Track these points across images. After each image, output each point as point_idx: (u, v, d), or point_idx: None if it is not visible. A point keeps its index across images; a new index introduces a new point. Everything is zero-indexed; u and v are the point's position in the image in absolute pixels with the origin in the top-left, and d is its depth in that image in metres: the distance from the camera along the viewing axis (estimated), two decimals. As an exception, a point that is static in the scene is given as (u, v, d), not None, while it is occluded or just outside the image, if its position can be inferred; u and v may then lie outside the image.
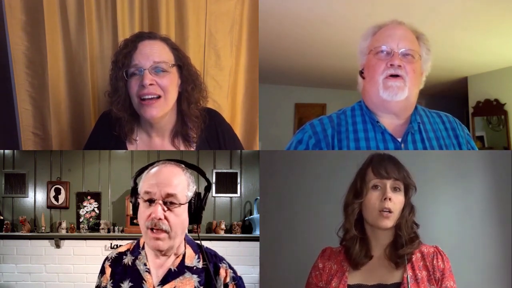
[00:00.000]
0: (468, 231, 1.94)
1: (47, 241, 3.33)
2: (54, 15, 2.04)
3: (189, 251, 1.26)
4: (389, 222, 1.33)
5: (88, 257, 3.28)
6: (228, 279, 1.25)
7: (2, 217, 3.35)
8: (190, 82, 1.72)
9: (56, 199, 3.42)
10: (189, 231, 3.74)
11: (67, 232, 3.35)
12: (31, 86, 2.07)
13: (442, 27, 3.28)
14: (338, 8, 3.00)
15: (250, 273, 3.08)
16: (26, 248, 3.31)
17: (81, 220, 3.38)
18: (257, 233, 3.25)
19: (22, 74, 2.05)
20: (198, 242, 1.29)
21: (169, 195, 1.18)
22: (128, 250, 1.29)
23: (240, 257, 3.29)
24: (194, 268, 1.24)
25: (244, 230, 3.42)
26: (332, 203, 1.46)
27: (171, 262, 1.24)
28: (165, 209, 1.18)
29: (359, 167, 1.40)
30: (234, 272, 1.27)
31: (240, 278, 1.27)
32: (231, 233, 3.39)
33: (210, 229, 3.43)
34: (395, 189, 1.34)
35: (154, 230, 1.17)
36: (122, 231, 3.34)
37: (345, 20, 3.19)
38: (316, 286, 1.41)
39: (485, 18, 3.16)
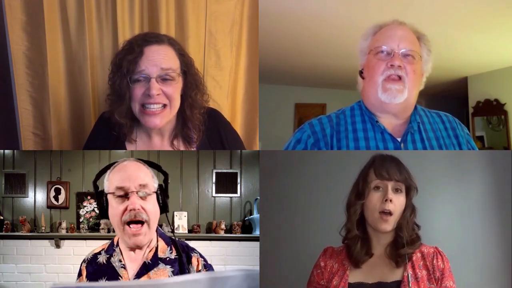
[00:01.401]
0: (468, 231, 1.93)
1: (47, 241, 3.33)
2: (54, 15, 2.04)
3: (162, 244, 1.32)
4: (388, 226, 1.33)
5: (88, 257, 3.28)
6: (200, 267, 1.31)
7: (2, 217, 3.35)
8: (194, 88, 1.69)
9: (56, 199, 3.42)
10: (190, 230, 3.73)
11: (67, 232, 3.35)
12: (31, 86, 2.07)
13: (442, 27, 3.28)
14: (338, 8, 3.00)
15: (250, 273, 3.08)
16: (26, 248, 3.32)
17: (81, 220, 3.38)
18: (257, 233, 3.25)
19: (22, 74, 2.05)
20: (171, 235, 1.35)
21: (141, 185, 1.25)
22: (103, 249, 1.35)
23: (240, 257, 3.29)
24: (167, 259, 1.30)
25: (244, 230, 3.42)
26: (332, 203, 1.47)
27: (145, 256, 1.28)
28: (139, 199, 1.24)
29: (361, 168, 1.40)
30: (205, 260, 1.33)
31: (211, 266, 1.34)
32: (231, 233, 3.39)
33: (210, 229, 3.43)
34: (396, 190, 1.34)
35: (132, 225, 1.23)
36: (122, 231, 3.34)
37: (345, 19, 3.19)
38: (318, 284, 1.41)
39: (485, 18, 3.15)
